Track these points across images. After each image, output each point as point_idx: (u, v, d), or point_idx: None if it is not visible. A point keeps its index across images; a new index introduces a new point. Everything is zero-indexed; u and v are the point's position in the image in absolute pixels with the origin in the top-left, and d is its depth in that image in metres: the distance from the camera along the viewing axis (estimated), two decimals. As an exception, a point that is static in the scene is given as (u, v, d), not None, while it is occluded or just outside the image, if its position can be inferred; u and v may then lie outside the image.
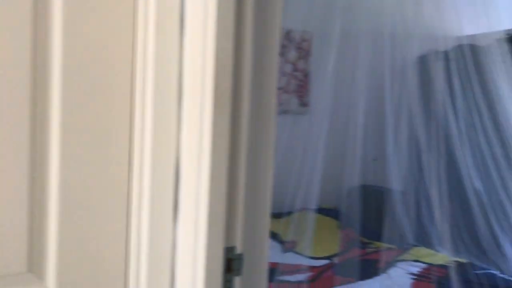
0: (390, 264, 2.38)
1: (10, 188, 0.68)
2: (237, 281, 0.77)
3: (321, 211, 2.76)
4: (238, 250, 0.77)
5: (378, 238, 2.69)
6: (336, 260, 2.42)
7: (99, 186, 0.76)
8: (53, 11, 0.69)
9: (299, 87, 3.15)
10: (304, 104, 3.18)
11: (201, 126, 0.74)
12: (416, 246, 2.72)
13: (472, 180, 2.36)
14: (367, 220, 2.77)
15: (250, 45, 0.77)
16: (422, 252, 2.63)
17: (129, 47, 0.78)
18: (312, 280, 2.14)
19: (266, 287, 0.82)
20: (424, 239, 2.81)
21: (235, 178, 0.77)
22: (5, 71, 0.67)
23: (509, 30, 3.35)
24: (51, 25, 0.69)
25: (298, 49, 3.13)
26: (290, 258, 2.34)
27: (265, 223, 0.82)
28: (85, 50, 0.72)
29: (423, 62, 2.76)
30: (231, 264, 0.76)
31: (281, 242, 2.54)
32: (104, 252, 0.79)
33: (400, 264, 2.42)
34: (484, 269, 2.39)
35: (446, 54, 2.58)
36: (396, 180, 2.87)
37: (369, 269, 2.29)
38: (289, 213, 2.62)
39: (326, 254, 2.50)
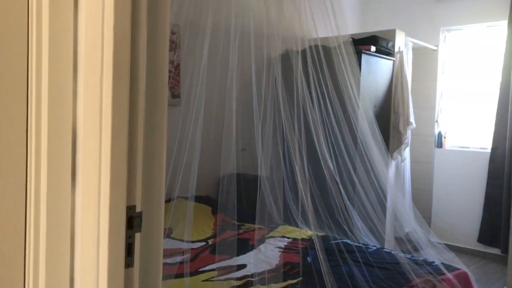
0: (261, 241, 2.60)
1: None
2: (137, 237, 0.84)
3: (195, 198, 2.86)
4: (138, 208, 0.84)
5: (249, 220, 2.89)
6: (211, 241, 2.54)
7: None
8: None
9: (170, 78, 3.20)
10: (175, 95, 3.24)
11: (100, 95, 0.79)
12: (282, 225, 3.00)
13: (327, 163, 2.69)
14: (238, 205, 2.95)
15: (145, 20, 0.84)
16: (288, 229, 2.91)
17: (23, 17, 0.79)
18: (190, 260, 2.24)
19: (162, 241, 0.90)
20: (289, 218, 3.10)
21: (134, 143, 0.83)
22: None
23: (352, 34, 3.89)
24: None
25: (167, 42, 3.18)
26: (168, 244, 2.40)
27: (161, 185, 0.90)
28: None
29: (285, 58, 3.05)
30: (132, 221, 0.83)
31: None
32: (1, 222, 0.79)
33: (269, 240, 2.65)
34: (338, 239, 2.76)
35: (304, 52, 2.89)
36: (263, 167, 3.11)
37: (243, 246, 2.48)
38: (165, 202, 2.67)
39: (203, 237, 2.61)
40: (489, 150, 4.32)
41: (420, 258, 2.46)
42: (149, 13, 0.86)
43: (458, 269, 2.36)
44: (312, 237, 2.65)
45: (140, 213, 0.85)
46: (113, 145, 0.79)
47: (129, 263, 0.83)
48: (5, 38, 0.80)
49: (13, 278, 0.83)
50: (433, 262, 2.40)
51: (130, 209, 0.83)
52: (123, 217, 0.81)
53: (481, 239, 4.24)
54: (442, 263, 2.37)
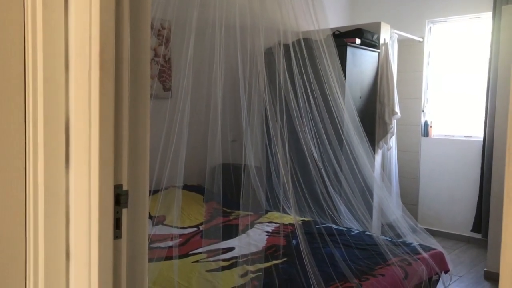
0: (249, 226, 2.73)
1: None
2: (124, 212, 0.96)
3: (186, 187, 2.98)
4: (125, 187, 0.96)
5: (238, 207, 3.01)
6: (202, 227, 2.67)
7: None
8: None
9: (161, 72, 3.30)
10: (167, 88, 3.35)
11: (89, 88, 0.90)
12: (269, 211, 3.13)
13: (311, 151, 2.81)
14: (228, 194, 3.08)
15: (128, 19, 0.95)
16: (275, 215, 3.04)
17: (20, 20, 0.90)
18: (181, 244, 2.37)
19: (147, 216, 1.02)
20: (276, 205, 3.22)
21: (120, 130, 0.94)
22: None
23: (338, 27, 3.99)
24: None
25: (158, 36, 3.29)
26: (160, 230, 2.53)
27: (145, 165, 1.01)
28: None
29: (269, 52, 3.15)
30: (119, 198, 0.94)
31: (150, 217, 2.70)
32: (3, 200, 0.90)
33: (257, 226, 2.78)
34: (323, 224, 2.89)
35: (287, 46, 2.98)
36: (251, 157, 3.23)
37: (232, 231, 2.60)
38: (155, 191, 2.79)
39: (193, 224, 2.74)
40: (473, 139, 4.46)
41: (399, 240, 2.60)
42: (132, 13, 0.97)
43: (434, 249, 2.50)
44: (299, 223, 2.77)
45: (127, 191, 0.96)
46: (101, 132, 0.90)
47: (117, 235, 0.94)
48: (4, 39, 0.91)
49: (15, 251, 0.94)
50: (411, 243, 2.54)
51: (118, 187, 0.94)
52: (111, 195, 0.93)
53: (475, 228, 4.36)
54: (420, 244, 2.51)
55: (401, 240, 2.62)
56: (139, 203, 1.00)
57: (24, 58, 0.93)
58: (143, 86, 0.99)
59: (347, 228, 2.82)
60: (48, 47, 0.92)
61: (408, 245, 2.51)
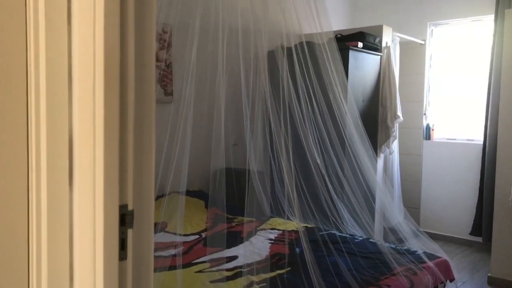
0: (252, 233, 2.70)
1: None
2: (129, 232, 0.93)
3: (188, 193, 2.95)
4: (130, 206, 0.93)
5: (241, 213, 2.98)
6: (205, 235, 2.64)
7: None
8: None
9: (163, 76, 3.28)
10: (168, 93, 3.32)
11: (93, 104, 0.87)
12: (272, 217, 3.10)
13: (314, 157, 2.78)
14: (231, 199, 3.04)
15: (133, 36, 0.93)
16: (278, 221, 3.01)
17: (22, 37, 0.88)
18: (184, 253, 2.34)
19: (152, 236, 0.99)
20: (278, 211, 3.20)
21: (125, 147, 0.91)
22: None
23: (340, 30, 3.97)
24: None
25: (159, 40, 3.26)
26: (162, 237, 2.50)
27: (151, 185, 0.99)
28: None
29: (272, 55, 3.13)
30: (125, 218, 0.91)
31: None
32: (6, 221, 0.88)
33: (260, 233, 2.75)
34: (326, 230, 2.86)
35: (290, 49, 2.96)
36: (253, 162, 3.20)
37: (234, 239, 2.57)
38: (157, 198, 2.76)
39: (196, 231, 2.71)
40: (475, 142, 4.44)
41: (404, 248, 2.57)
42: (136, 25, 0.94)
43: (439, 257, 2.47)
44: (302, 229, 2.74)
45: (132, 211, 0.94)
46: (105, 150, 0.87)
47: (122, 256, 0.91)
48: (6, 54, 0.89)
49: (17, 274, 0.91)
50: (416, 251, 2.51)
51: (123, 207, 0.92)
52: (116, 215, 0.90)
53: (474, 231, 4.34)
54: (424, 252, 2.48)
55: (405, 248, 2.59)
56: (144, 223, 0.97)
57: (26, 74, 0.91)
58: (148, 102, 0.96)
59: (350, 235, 2.79)
60: (51, 61, 0.89)
61: (413, 253, 2.49)
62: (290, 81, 2.64)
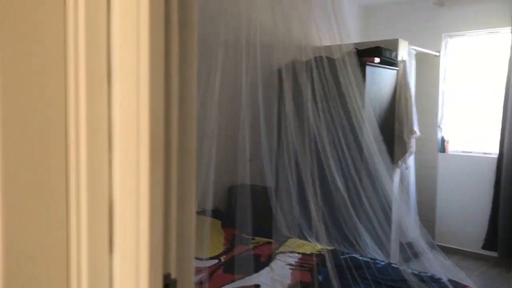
0: (271, 257, 2.65)
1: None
2: (173, 303, 0.89)
3: (203, 212, 2.90)
4: (173, 275, 0.89)
5: (257, 233, 2.93)
6: (224, 258, 2.59)
7: (41, 233, 0.81)
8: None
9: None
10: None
11: (138, 174, 0.83)
12: (290, 237, 3.05)
13: (335, 179, 2.74)
14: (247, 218, 2.99)
15: (177, 97, 0.89)
16: (297, 243, 2.96)
17: (61, 95, 0.84)
18: (201, 282, 2.27)
19: (195, 305, 0.95)
20: (295, 231, 3.15)
21: (169, 217, 0.88)
22: None
23: (356, 43, 3.91)
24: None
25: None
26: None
27: (191, 251, 0.95)
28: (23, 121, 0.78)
29: (290, 69, 3.06)
30: (168, 288, 0.88)
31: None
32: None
33: (279, 256, 2.70)
34: (347, 253, 2.81)
35: (308, 63, 2.91)
36: (269, 178, 3.15)
37: (254, 264, 2.52)
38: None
39: (214, 254, 2.66)
40: (492, 156, 4.37)
41: (427, 274, 2.52)
42: (179, 92, 0.91)
43: (465, 286, 2.41)
44: (322, 252, 2.69)
45: (176, 280, 0.90)
46: (151, 219, 0.84)
47: (165, 328, 0.88)
48: (43, 121, 0.84)
49: None
50: (440, 278, 2.45)
51: (166, 277, 0.88)
52: (160, 285, 0.86)
53: (487, 245, 4.29)
54: (449, 280, 2.43)
55: (429, 274, 2.53)
56: (187, 291, 0.94)
57: (65, 139, 0.86)
58: (189, 172, 0.93)
59: (372, 259, 2.74)
60: (91, 125, 0.86)
61: (437, 280, 2.43)
62: (309, 96, 2.59)
